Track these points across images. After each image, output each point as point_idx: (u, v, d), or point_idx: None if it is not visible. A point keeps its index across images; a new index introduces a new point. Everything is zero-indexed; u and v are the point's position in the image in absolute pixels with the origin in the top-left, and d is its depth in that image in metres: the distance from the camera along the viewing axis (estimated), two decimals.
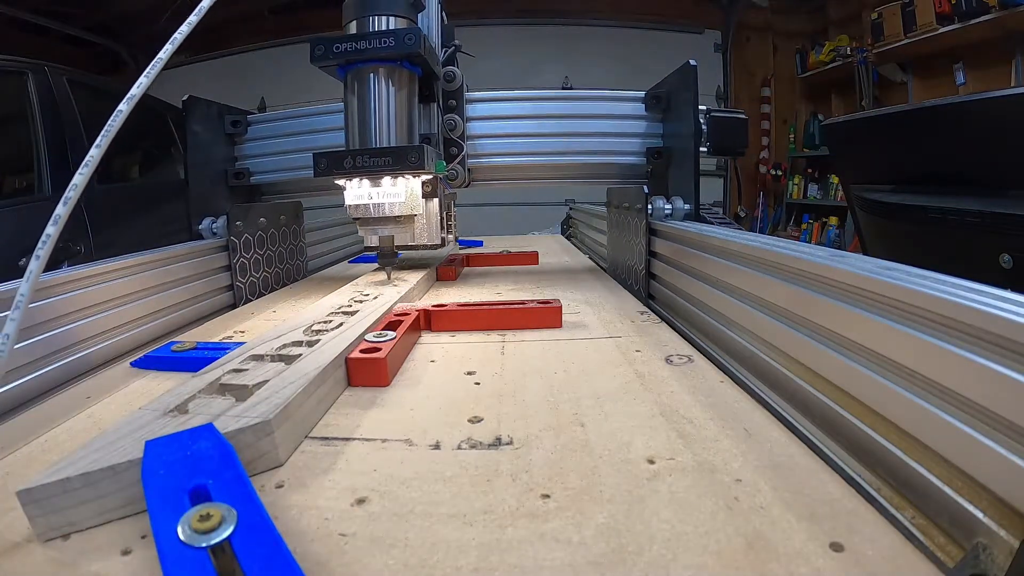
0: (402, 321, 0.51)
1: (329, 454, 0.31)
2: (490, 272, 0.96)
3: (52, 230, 0.33)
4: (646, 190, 0.75)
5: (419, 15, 0.68)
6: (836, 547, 0.22)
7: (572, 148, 0.90)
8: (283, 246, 0.92)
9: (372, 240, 0.71)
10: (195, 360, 0.47)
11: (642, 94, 0.89)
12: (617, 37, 3.66)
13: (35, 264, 0.32)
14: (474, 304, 0.59)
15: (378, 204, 0.64)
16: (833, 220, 3.54)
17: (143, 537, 0.24)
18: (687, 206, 0.77)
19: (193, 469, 0.25)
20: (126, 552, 0.23)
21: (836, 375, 0.33)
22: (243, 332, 0.60)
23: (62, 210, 0.32)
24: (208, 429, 0.28)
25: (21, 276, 0.49)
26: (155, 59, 0.38)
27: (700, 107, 0.80)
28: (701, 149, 0.82)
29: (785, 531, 0.23)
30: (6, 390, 0.43)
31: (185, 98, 0.86)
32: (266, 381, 0.35)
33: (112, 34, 3.58)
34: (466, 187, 0.90)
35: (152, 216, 1.97)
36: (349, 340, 0.44)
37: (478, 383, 0.42)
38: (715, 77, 3.79)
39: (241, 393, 0.34)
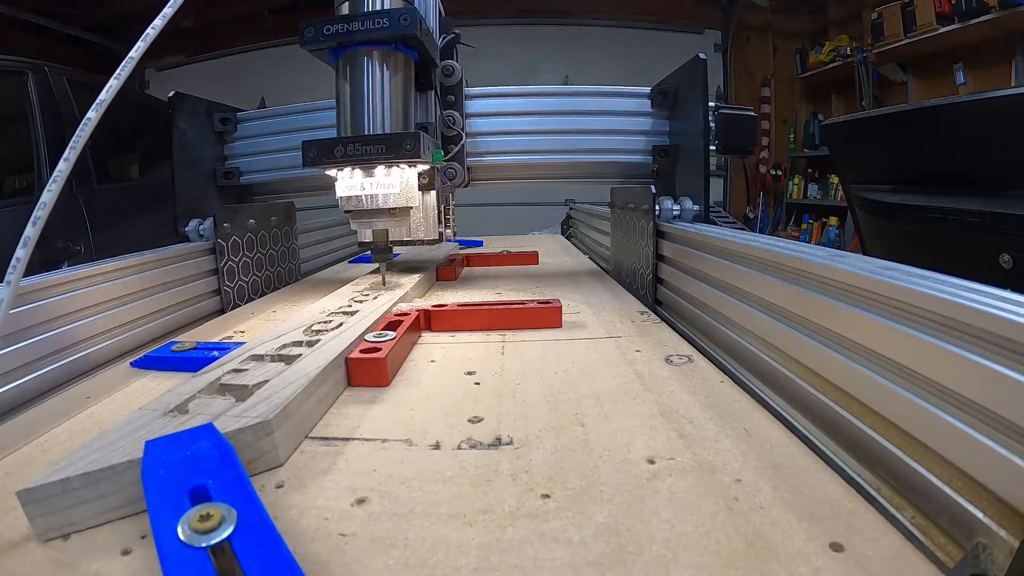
0: (402, 321, 0.51)
1: (329, 454, 0.31)
2: (490, 272, 0.96)
3: (22, 253, 0.31)
4: (653, 190, 0.72)
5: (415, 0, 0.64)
6: (836, 547, 0.22)
7: (575, 146, 0.86)
8: (274, 248, 0.88)
9: (365, 235, 0.67)
10: (195, 360, 0.47)
11: (647, 90, 0.86)
12: (617, 37, 3.65)
13: (5, 291, 0.30)
14: (474, 304, 0.59)
15: (371, 196, 0.60)
16: (833, 220, 3.54)
17: (143, 537, 0.24)
18: (696, 207, 0.73)
19: (193, 469, 0.25)
20: (126, 552, 0.23)
21: (836, 375, 0.33)
22: (243, 332, 0.60)
23: (31, 231, 0.31)
24: (208, 429, 0.28)
25: None
26: (126, 58, 0.36)
27: (709, 104, 0.75)
28: (710, 147, 0.76)
29: (785, 531, 0.23)
30: (6, 390, 0.43)
31: (171, 94, 0.82)
32: (266, 381, 0.35)
33: (112, 34, 3.58)
34: (465, 187, 0.87)
35: (152, 216, 1.97)
36: (349, 340, 0.44)
37: (478, 383, 0.42)
38: (715, 77, 3.78)
39: (241, 393, 0.34)
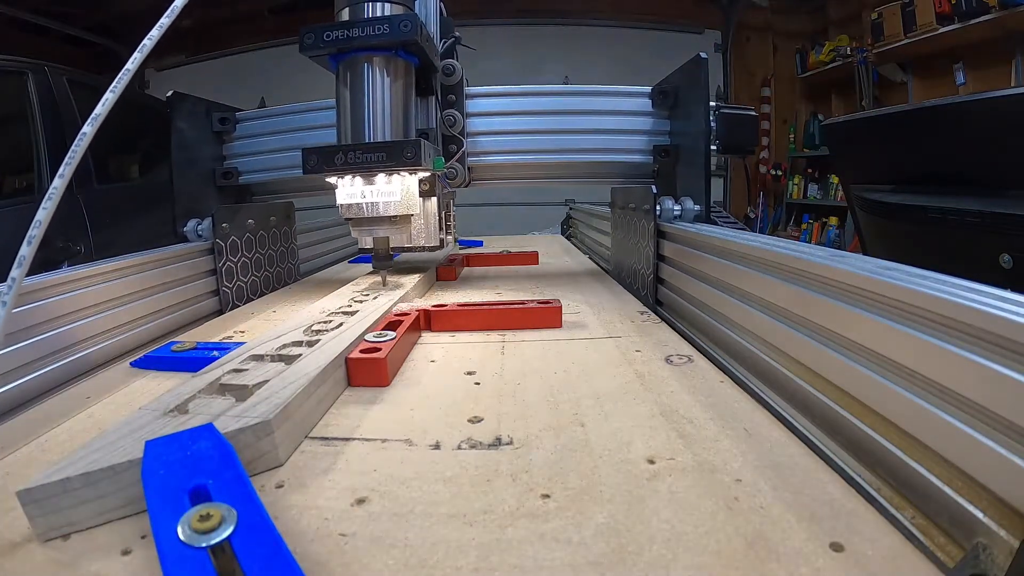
0: (402, 321, 0.51)
1: (329, 454, 0.31)
2: (490, 272, 0.96)
3: (17, 272, 0.30)
4: (654, 190, 0.72)
5: (416, 3, 0.64)
6: (836, 547, 0.22)
7: (576, 146, 0.85)
8: (273, 248, 0.88)
9: (366, 242, 0.66)
10: (195, 360, 0.47)
11: (648, 90, 0.85)
12: (617, 37, 3.65)
13: (25, 249, 0.30)
14: (474, 304, 0.59)
15: (372, 203, 0.59)
16: (833, 220, 3.54)
17: (143, 537, 0.24)
18: (697, 207, 0.73)
19: (193, 469, 0.25)
20: (126, 552, 0.23)
21: (836, 375, 0.33)
22: (243, 332, 0.60)
23: (26, 250, 0.30)
24: (208, 429, 0.28)
25: None
26: (122, 70, 0.36)
27: (710, 103, 0.75)
28: (711, 147, 0.76)
29: (785, 531, 0.23)
30: (6, 390, 0.43)
31: (169, 94, 0.82)
32: (266, 381, 0.35)
33: (112, 34, 3.58)
34: (466, 187, 0.86)
35: (152, 216, 1.97)
36: (349, 340, 0.44)
37: (478, 383, 0.42)
38: (715, 77, 3.78)
39: (241, 393, 0.34)
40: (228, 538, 0.21)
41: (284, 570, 0.20)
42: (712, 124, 0.76)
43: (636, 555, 0.22)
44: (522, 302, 0.59)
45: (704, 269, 0.56)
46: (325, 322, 0.50)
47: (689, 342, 0.52)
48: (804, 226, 3.78)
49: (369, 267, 0.88)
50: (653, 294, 0.71)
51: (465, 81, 0.82)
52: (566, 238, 1.64)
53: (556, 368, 0.45)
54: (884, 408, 0.28)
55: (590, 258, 1.19)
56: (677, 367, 0.44)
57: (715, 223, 0.73)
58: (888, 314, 0.29)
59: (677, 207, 0.73)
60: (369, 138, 0.59)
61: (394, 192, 0.60)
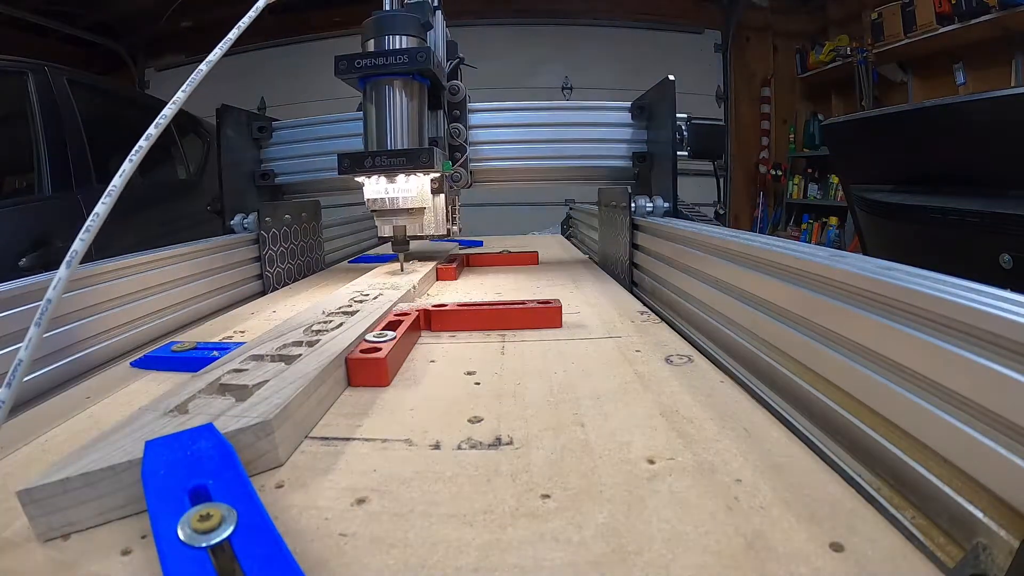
0: (402, 321, 0.51)
1: (329, 454, 0.31)
2: (490, 272, 0.96)
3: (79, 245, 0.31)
4: (629, 190, 0.85)
5: (427, 33, 0.76)
6: (836, 547, 0.22)
7: (565, 152, 1.00)
8: (304, 241, 1.01)
9: (386, 230, 0.79)
10: (195, 360, 0.47)
11: (628, 104, 1.00)
12: (617, 37, 3.65)
13: (34, 331, 0.30)
14: (474, 304, 0.59)
15: (393, 198, 0.73)
16: (833, 220, 3.54)
17: (143, 537, 0.24)
18: (666, 204, 0.85)
19: (193, 469, 0.25)
20: (126, 552, 0.23)
21: (836, 375, 0.33)
22: (243, 332, 0.60)
23: (52, 293, 0.30)
24: (208, 429, 0.28)
25: (21, 276, 0.49)
26: (168, 104, 0.38)
27: (682, 115, 0.91)
28: (682, 153, 0.93)
29: (785, 531, 0.23)
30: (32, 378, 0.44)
31: (219, 107, 0.95)
32: (266, 381, 0.35)
33: (112, 34, 3.58)
34: (468, 187, 0.98)
35: (153, 215, 1.97)
36: (349, 340, 0.44)
37: (478, 383, 0.42)
38: (715, 77, 3.78)
39: (241, 393, 0.34)
40: (228, 538, 0.21)
41: (284, 570, 0.20)
42: (684, 133, 0.94)
43: (636, 555, 0.22)
44: (522, 302, 0.59)
45: (669, 254, 0.68)
46: (325, 322, 0.50)
47: (681, 335, 0.53)
48: (804, 226, 3.78)
49: (368, 267, 0.94)
50: (629, 277, 0.85)
51: (468, 98, 0.96)
52: (566, 238, 1.64)
53: (556, 368, 0.45)
54: (884, 408, 0.28)
55: (590, 258, 1.19)
56: (677, 367, 0.44)
57: (688, 217, 0.85)
58: (888, 314, 0.29)
59: (649, 204, 0.86)
60: (390, 145, 0.72)
61: (411, 189, 0.73)
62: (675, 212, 0.85)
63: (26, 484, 0.24)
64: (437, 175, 0.78)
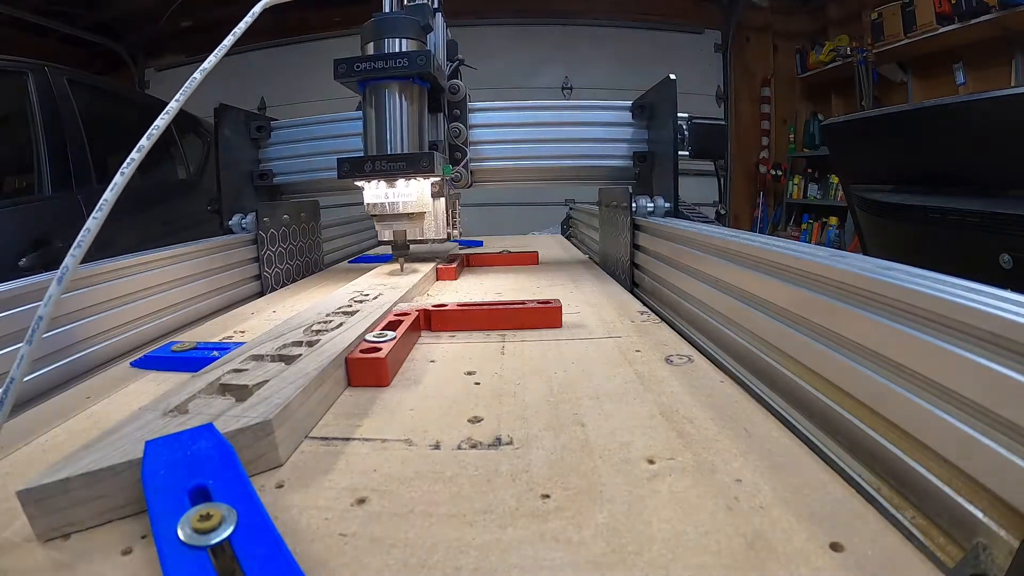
0: (402, 321, 0.51)
1: (329, 454, 0.31)
2: (490, 272, 0.96)
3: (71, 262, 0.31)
4: (630, 190, 0.84)
5: (428, 35, 0.75)
6: (836, 547, 0.22)
7: (566, 152, 0.99)
8: (303, 241, 1.00)
9: (386, 234, 0.79)
10: (195, 360, 0.47)
11: (629, 104, 0.98)
12: (617, 37, 3.65)
13: (26, 348, 0.29)
14: (474, 304, 0.59)
15: (393, 203, 0.72)
16: (833, 220, 3.54)
17: (143, 537, 0.24)
18: (667, 204, 0.84)
19: (193, 469, 0.25)
20: (126, 552, 0.23)
21: (836, 375, 0.33)
22: (243, 332, 0.60)
23: (44, 311, 0.29)
24: (208, 429, 0.28)
25: (20, 276, 0.49)
26: (167, 107, 0.38)
27: (683, 114, 0.89)
28: (683, 153, 0.92)
29: (785, 531, 0.23)
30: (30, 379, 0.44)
31: (216, 106, 0.93)
32: (266, 381, 0.35)
33: (112, 34, 3.58)
34: (468, 187, 0.98)
35: (153, 215, 1.97)
36: (349, 340, 0.44)
37: (478, 383, 0.42)
38: (715, 77, 3.78)
39: (241, 393, 0.34)
40: (228, 538, 0.21)
41: (284, 570, 0.20)
42: (685, 133, 0.93)
43: (636, 555, 0.22)
44: (522, 302, 0.59)
45: (671, 255, 0.67)
46: (325, 322, 0.50)
47: (681, 335, 0.53)
48: (804, 226, 3.78)
49: (368, 267, 0.94)
50: (630, 277, 0.84)
51: (468, 97, 0.95)
52: (566, 238, 1.64)
53: (556, 368, 0.45)
54: (884, 408, 0.28)
55: (590, 258, 1.19)
56: (677, 367, 0.44)
57: (689, 218, 0.84)
58: (888, 314, 0.29)
59: (650, 204, 0.85)
60: (390, 149, 0.72)
61: (411, 194, 0.72)
62: (676, 212, 0.84)
63: (26, 484, 0.24)
64: (437, 179, 0.77)
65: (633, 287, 0.83)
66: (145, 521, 0.23)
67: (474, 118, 0.97)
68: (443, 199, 0.85)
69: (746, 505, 0.25)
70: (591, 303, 0.68)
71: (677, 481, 0.27)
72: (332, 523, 0.25)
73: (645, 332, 0.55)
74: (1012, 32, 2.44)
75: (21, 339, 0.45)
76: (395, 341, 0.45)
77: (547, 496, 0.26)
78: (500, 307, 0.58)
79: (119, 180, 0.33)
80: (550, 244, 1.42)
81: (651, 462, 0.29)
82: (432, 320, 0.57)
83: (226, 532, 0.21)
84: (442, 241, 0.89)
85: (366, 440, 0.33)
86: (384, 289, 0.66)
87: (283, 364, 0.39)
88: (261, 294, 0.87)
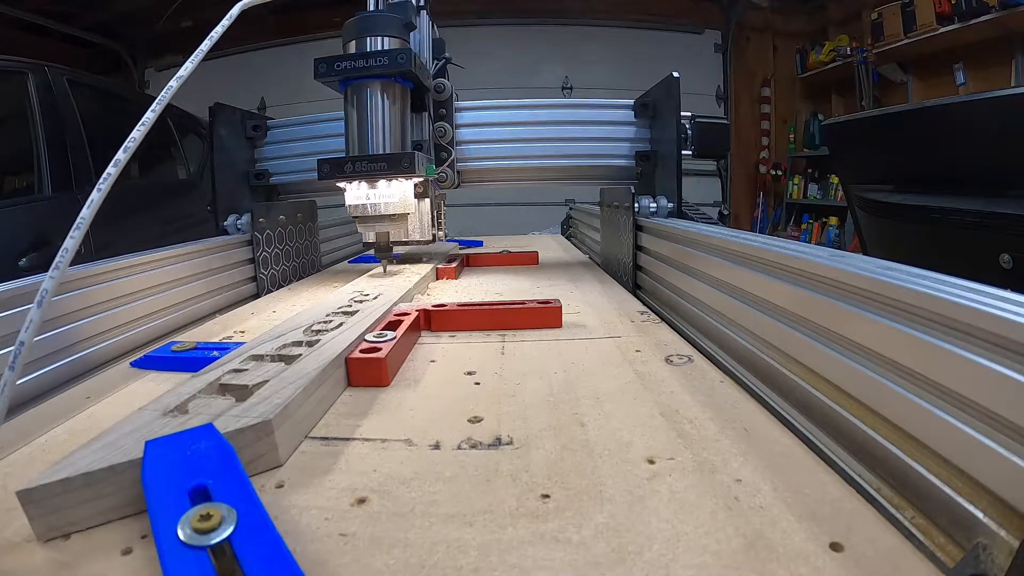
0: (402, 321, 0.51)
1: (329, 454, 0.31)
2: (490, 272, 0.96)
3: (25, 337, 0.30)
4: (633, 190, 0.83)
5: (412, 33, 0.74)
6: (836, 547, 0.22)
7: (560, 152, 0.97)
8: (300, 242, 0.99)
9: (370, 236, 0.77)
10: (195, 360, 0.47)
11: (631, 102, 0.96)
12: (617, 37, 3.65)
13: (8, 375, 0.29)
14: (474, 304, 0.59)
15: (375, 204, 0.71)
16: (833, 220, 3.54)
17: (143, 537, 0.24)
18: (671, 204, 0.83)
19: (193, 469, 0.25)
20: (126, 552, 0.23)
21: (836, 375, 0.33)
22: (243, 332, 0.60)
23: (25, 336, 0.29)
24: (208, 429, 0.28)
25: (20, 276, 0.49)
26: (159, 96, 0.37)
27: (686, 113, 0.87)
28: (686, 152, 0.89)
29: (785, 531, 0.23)
30: (23, 382, 0.43)
31: (212, 105, 0.92)
32: (266, 381, 0.35)
33: (112, 34, 3.58)
34: (456, 188, 0.97)
35: (153, 215, 1.96)
36: (349, 340, 0.44)
37: (478, 383, 0.42)
38: (715, 77, 3.78)
39: (241, 393, 0.34)
40: (228, 538, 0.21)
41: (284, 570, 0.20)
42: (689, 132, 0.90)
43: (636, 555, 0.22)
44: (522, 302, 0.59)
45: (676, 257, 0.66)
46: (325, 322, 0.50)
47: (683, 336, 0.52)
48: (804, 226, 3.78)
49: (368, 266, 0.95)
50: (633, 280, 0.83)
51: (455, 96, 0.93)
52: (566, 238, 1.64)
53: (556, 368, 0.45)
54: (884, 408, 0.28)
55: (590, 258, 1.19)
56: (677, 367, 0.44)
57: (691, 218, 0.83)
58: (888, 314, 0.29)
59: (653, 204, 0.84)
60: (372, 150, 0.70)
61: (393, 195, 0.71)
62: (679, 213, 0.83)
63: (26, 484, 0.24)
64: (420, 180, 0.76)
65: (636, 289, 0.82)
66: (145, 521, 0.23)
67: (462, 117, 0.95)
68: (428, 200, 0.84)
69: (746, 505, 0.25)
70: (591, 303, 0.68)
71: (677, 481, 0.27)
72: (332, 523, 0.25)
73: (645, 332, 0.55)
74: (1012, 32, 2.44)
75: (11, 343, 0.45)
76: (395, 341, 0.45)
77: (547, 496, 0.26)
78: (500, 307, 0.58)
79: (89, 207, 0.33)
80: (550, 244, 1.42)
81: (651, 462, 0.29)
82: (432, 320, 0.57)
83: (226, 532, 0.21)
84: (427, 243, 0.88)
85: (366, 440, 0.33)
86: (384, 289, 0.66)
87: (283, 364, 0.39)
88: (257, 296, 0.85)
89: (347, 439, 0.33)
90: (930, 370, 0.25)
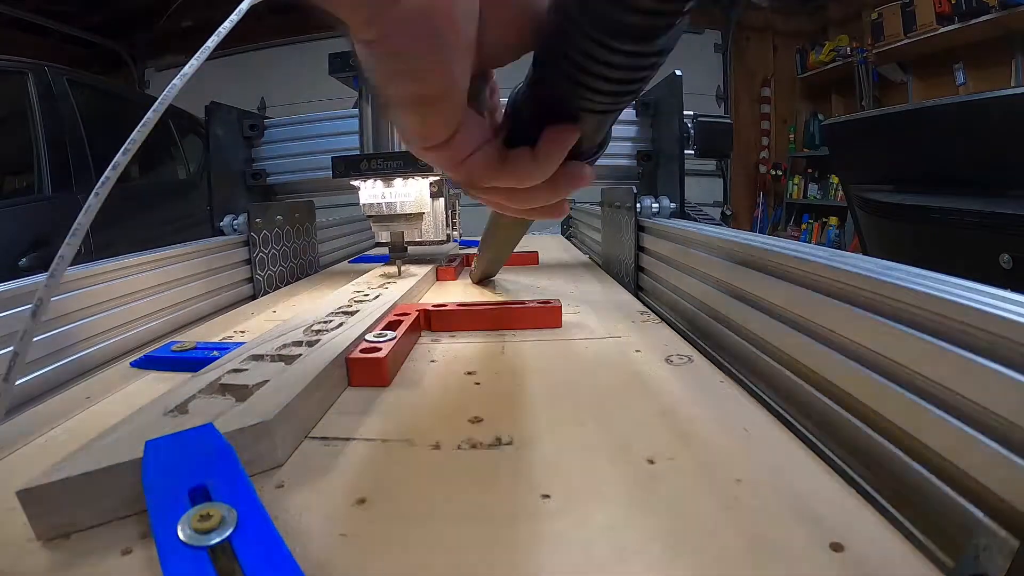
0: (402, 321, 0.51)
1: (329, 454, 0.31)
2: None
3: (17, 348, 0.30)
4: (635, 190, 0.82)
5: None
6: (836, 547, 0.22)
7: None
8: (297, 242, 0.98)
9: (383, 236, 0.77)
10: (195, 360, 0.47)
11: (632, 101, 0.95)
12: None
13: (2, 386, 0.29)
14: (474, 304, 0.59)
15: (390, 203, 0.70)
16: (833, 220, 3.54)
17: (143, 537, 0.24)
18: (673, 204, 0.83)
19: (193, 469, 0.25)
20: (126, 552, 0.23)
21: (836, 375, 0.33)
22: (243, 332, 0.60)
23: (20, 347, 0.29)
24: (208, 429, 0.28)
25: (20, 276, 0.49)
26: (160, 97, 0.37)
27: (688, 112, 0.87)
28: (689, 152, 0.89)
29: (785, 531, 0.23)
30: (22, 382, 0.43)
31: (208, 104, 0.91)
32: (266, 381, 0.35)
33: (112, 34, 3.58)
34: None
35: (153, 216, 1.97)
36: (349, 340, 0.44)
37: (478, 383, 0.42)
38: (715, 77, 3.79)
39: (241, 393, 0.34)
40: (228, 538, 0.21)
41: (284, 570, 0.20)
42: (691, 131, 0.89)
43: (636, 555, 0.22)
44: (522, 302, 0.59)
45: (678, 258, 0.65)
46: (325, 322, 0.50)
47: (684, 337, 0.52)
48: (804, 226, 3.78)
49: (367, 266, 0.95)
50: (635, 281, 0.82)
51: None
52: (566, 238, 1.64)
53: (556, 368, 0.45)
54: (884, 408, 0.28)
55: (590, 258, 1.19)
56: (677, 367, 0.44)
57: (693, 218, 0.83)
58: (888, 314, 0.29)
59: (655, 204, 0.83)
60: (388, 147, 0.69)
61: (409, 194, 0.70)
62: (682, 213, 0.82)
63: (26, 484, 0.24)
64: (436, 178, 0.76)
65: (638, 291, 0.81)
66: (145, 521, 0.23)
67: None
68: (442, 199, 0.83)
69: (746, 505, 0.25)
70: (591, 303, 0.68)
71: (677, 481, 0.27)
72: (332, 523, 0.25)
73: (645, 332, 0.55)
74: (1012, 32, 2.44)
75: (7, 344, 0.45)
76: (395, 341, 0.45)
77: (547, 496, 0.26)
78: (500, 307, 0.58)
79: (86, 212, 0.33)
80: (550, 244, 1.42)
81: (651, 462, 0.29)
82: (432, 320, 0.57)
83: (226, 532, 0.21)
84: (441, 243, 0.87)
85: (366, 440, 0.33)
86: (384, 289, 0.66)
87: (283, 364, 0.39)
88: (254, 298, 0.84)
89: (347, 439, 0.33)
90: (930, 370, 0.25)
